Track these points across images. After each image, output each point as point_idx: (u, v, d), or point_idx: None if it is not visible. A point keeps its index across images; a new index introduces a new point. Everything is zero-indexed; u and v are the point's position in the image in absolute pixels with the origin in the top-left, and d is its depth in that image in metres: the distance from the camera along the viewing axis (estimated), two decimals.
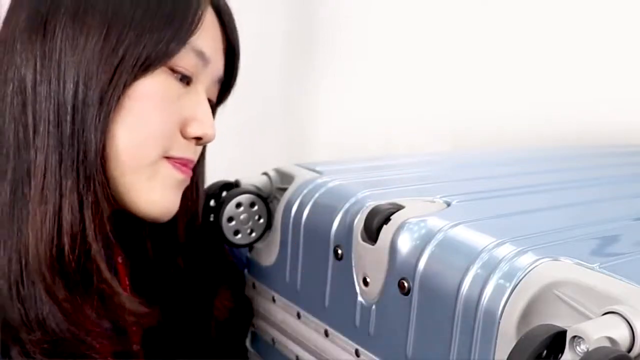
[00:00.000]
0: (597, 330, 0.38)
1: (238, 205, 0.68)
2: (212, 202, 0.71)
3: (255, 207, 0.69)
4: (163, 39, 0.59)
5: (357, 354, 0.58)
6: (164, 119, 0.60)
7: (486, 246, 0.49)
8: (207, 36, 0.62)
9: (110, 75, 0.57)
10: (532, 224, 0.54)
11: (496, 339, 0.45)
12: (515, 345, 0.40)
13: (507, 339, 0.44)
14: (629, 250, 0.51)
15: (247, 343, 0.76)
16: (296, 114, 1.49)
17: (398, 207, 0.56)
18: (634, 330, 0.39)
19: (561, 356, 0.39)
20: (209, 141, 0.65)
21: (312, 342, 0.63)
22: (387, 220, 0.55)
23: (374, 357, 0.56)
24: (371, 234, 0.55)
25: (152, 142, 0.60)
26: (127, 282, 0.69)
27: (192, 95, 0.63)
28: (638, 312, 0.39)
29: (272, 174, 0.72)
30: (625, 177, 0.79)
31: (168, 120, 0.61)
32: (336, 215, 0.60)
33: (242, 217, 0.69)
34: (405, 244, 0.53)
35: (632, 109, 1.19)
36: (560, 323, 0.41)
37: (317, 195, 0.64)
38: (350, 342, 0.59)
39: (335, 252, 0.59)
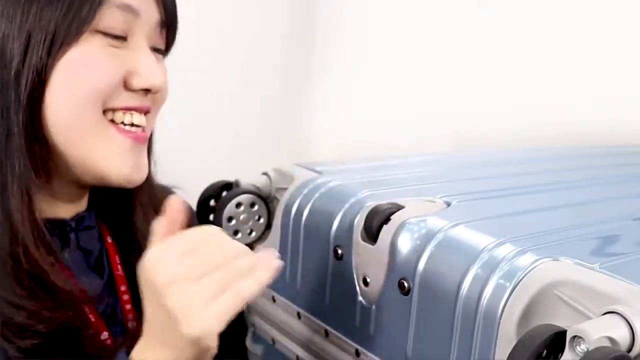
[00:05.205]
0: (597, 330, 0.38)
1: (238, 205, 0.68)
2: (212, 202, 0.71)
3: (255, 207, 0.69)
4: (71, 8, 0.55)
5: (357, 354, 0.58)
6: (100, 80, 0.58)
7: (486, 246, 0.49)
8: None
9: (22, 56, 0.55)
10: (532, 224, 0.54)
11: (496, 339, 0.45)
12: (515, 345, 0.40)
13: (507, 339, 0.44)
14: (629, 250, 0.51)
15: (247, 343, 0.76)
16: (296, 113, 1.49)
17: (398, 207, 0.55)
18: (634, 330, 0.39)
19: (561, 356, 0.39)
20: (158, 91, 0.62)
21: (312, 342, 0.63)
22: (387, 220, 0.55)
23: (374, 357, 0.56)
24: (371, 234, 0.55)
25: (90, 106, 0.58)
26: (118, 261, 0.69)
27: (132, 48, 0.60)
28: (638, 312, 0.39)
29: (272, 174, 0.72)
30: (625, 177, 0.79)
31: (105, 81, 0.58)
32: (336, 215, 0.60)
33: (242, 217, 0.69)
34: (405, 244, 0.53)
35: (632, 109, 1.19)
36: (560, 323, 0.41)
37: (317, 195, 0.64)
38: (350, 342, 0.58)
39: (335, 252, 0.59)
